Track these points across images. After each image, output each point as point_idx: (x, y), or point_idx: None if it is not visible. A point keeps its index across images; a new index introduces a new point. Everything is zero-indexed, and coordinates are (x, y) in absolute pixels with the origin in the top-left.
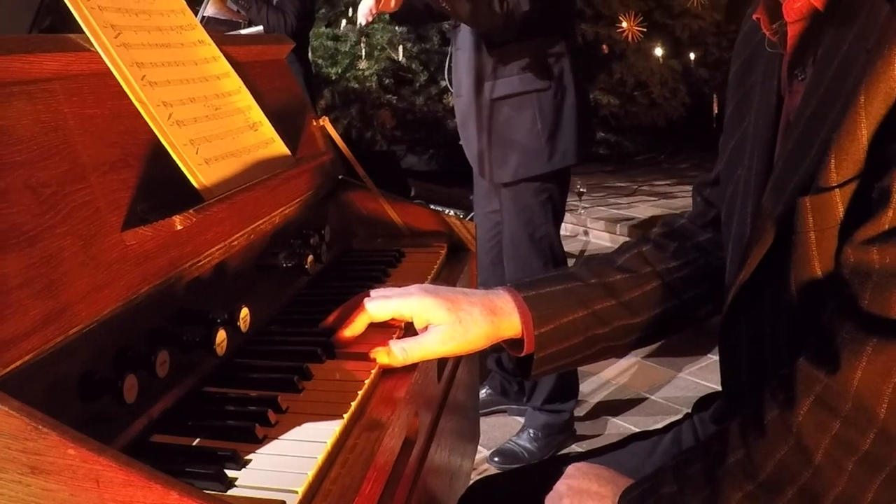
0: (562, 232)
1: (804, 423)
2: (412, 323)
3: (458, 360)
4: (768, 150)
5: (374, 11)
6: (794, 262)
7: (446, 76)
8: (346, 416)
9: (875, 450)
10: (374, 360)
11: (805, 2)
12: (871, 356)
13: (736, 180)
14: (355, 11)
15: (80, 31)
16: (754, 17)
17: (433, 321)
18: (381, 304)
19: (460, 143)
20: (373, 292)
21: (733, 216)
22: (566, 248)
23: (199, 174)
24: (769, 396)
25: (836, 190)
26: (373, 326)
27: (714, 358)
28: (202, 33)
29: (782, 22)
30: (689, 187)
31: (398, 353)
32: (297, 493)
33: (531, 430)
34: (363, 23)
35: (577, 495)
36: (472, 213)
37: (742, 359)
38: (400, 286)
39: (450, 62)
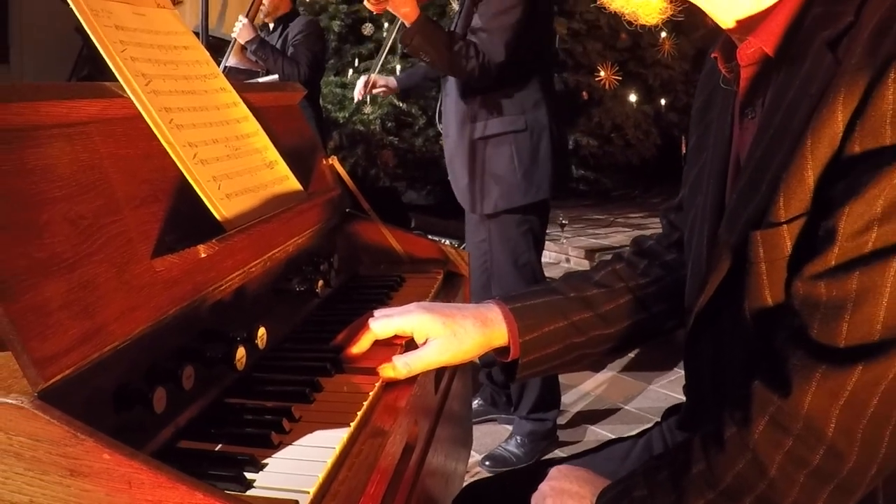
0: (545, 259)
1: (759, 441)
2: (413, 338)
3: (453, 373)
4: (721, 181)
5: (362, 93)
6: (747, 291)
7: (437, 118)
8: (352, 424)
9: (824, 464)
10: (381, 375)
11: (757, 48)
12: (820, 381)
13: (696, 207)
14: (361, 62)
15: (115, 79)
16: (712, 55)
17: (431, 335)
18: (384, 323)
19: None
20: (376, 312)
21: (693, 240)
22: (550, 274)
23: (221, 208)
24: (727, 415)
25: (785, 225)
26: (377, 343)
27: (681, 372)
28: (224, 81)
29: (736, 63)
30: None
31: (402, 367)
32: (308, 493)
33: (518, 437)
34: (358, 98)
35: (559, 495)
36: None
37: (704, 374)
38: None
39: (440, 106)
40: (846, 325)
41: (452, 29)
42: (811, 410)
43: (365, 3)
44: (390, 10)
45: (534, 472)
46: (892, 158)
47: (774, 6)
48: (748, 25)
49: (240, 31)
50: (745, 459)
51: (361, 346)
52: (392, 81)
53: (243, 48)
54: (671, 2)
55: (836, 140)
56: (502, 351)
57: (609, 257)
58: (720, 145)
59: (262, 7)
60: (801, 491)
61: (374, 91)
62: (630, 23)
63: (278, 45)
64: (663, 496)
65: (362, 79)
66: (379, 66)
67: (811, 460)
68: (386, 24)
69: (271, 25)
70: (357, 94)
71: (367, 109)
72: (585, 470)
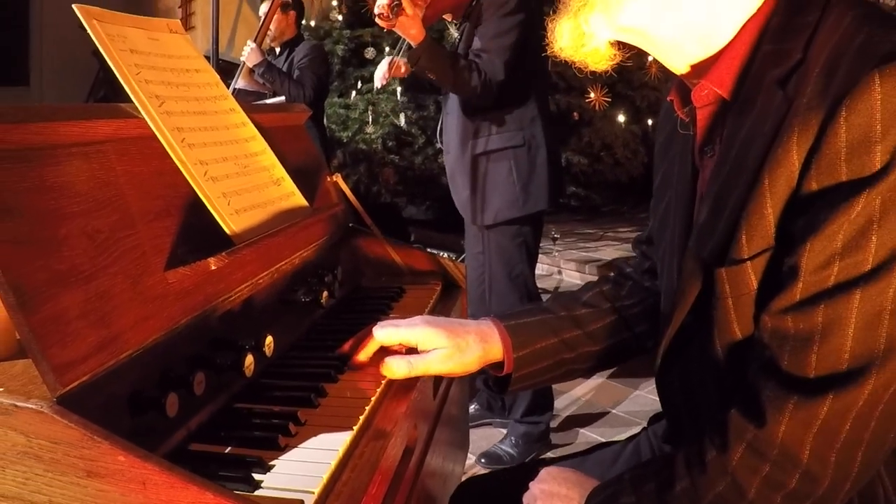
0: (539, 272)
1: (738, 466)
2: (415, 349)
3: (450, 379)
4: (687, 215)
5: (387, 76)
6: (716, 325)
7: (438, 137)
8: (355, 428)
9: (800, 487)
10: (382, 371)
11: (711, 91)
12: (793, 412)
13: (665, 241)
14: (364, 84)
15: (130, 100)
16: (668, 98)
17: (437, 346)
18: (389, 332)
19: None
20: (382, 322)
21: (664, 273)
22: (543, 286)
23: (230, 222)
24: (708, 439)
25: (749, 262)
26: (381, 352)
27: None
28: (233, 102)
29: (692, 107)
30: None
31: (405, 365)
32: (313, 493)
33: (513, 438)
34: (379, 85)
35: (549, 497)
36: (464, 255)
37: (677, 401)
38: (402, 317)
39: (441, 125)
40: (815, 357)
41: (455, 50)
42: (786, 438)
43: (376, 19)
44: (398, 31)
45: (527, 471)
46: (849, 195)
47: (723, 50)
48: (700, 70)
49: (248, 54)
50: (725, 482)
51: (367, 352)
52: None
53: (251, 71)
54: (620, 49)
55: (793, 178)
56: (496, 364)
57: (596, 278)
58: (683, 182)
59: (269, 32)
60: None
61: (399, 74)
62: (621, 45)
63: (284, 69)
64: None
65: (385, 61)
66: (402, 49)
67: (788, 483)
68: (387, 49)
69: (278, 50)
70: (380, 80)
71: (370, 129)
72: (574, 471)
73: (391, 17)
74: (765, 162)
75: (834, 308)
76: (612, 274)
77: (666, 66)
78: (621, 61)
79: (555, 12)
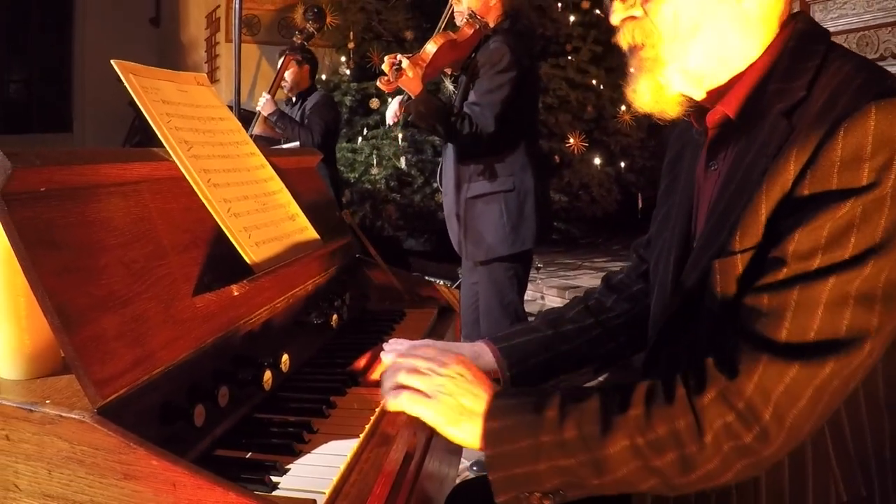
0: (525, 297)
1: (707, 407)
2: None
3: None
4: (687, 217)
5: (398, 114)
6: (704, 311)
7: (438, 179)
8: (361, 435)
9: (752, 443)
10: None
11: (721, 113)
12: (764, 369)
13: (663, 240)
14: (369, 130)
15: (162, 145)
16: (686, 117)
17: None
18: (395, 355)
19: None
20: (386, 346)
21: (660, 266)
22: (529, 309)
23: (251, 253)
24: (680, 378)
25: (739, 255)
26: None
27: None
28: (253, 147)
29: (705, 125)
30: (621, 263)
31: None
32: (324, 493)
33: None
34: (391, 122)
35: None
36: (458, 282)
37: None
38: (404, 338)
39: (440, 169)
40: (786, 327)
41: (453, 103)
42: (754, 393)
43: (378, 84)
44: (401, 86)
45: None
46: (836, 200)
47: (736, 78)
48: (715, 95)
49: (263, 105)
50: (687, 420)
51: (377, 372)
52: None
53: (266, 119)
54: (684, 95)
55: (787, 185)
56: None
57: (582, 295)
58: (688, 189)
59: (284, 83)
60: (721, 460)
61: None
62: (597, 97)
63: (297, 116)
64: (588, 423)
65: (396, 101)
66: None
67: (744, 437)
68: (389, 99)
69: (294, 98)
70: (391, 117)
71: (374, 171)
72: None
73: (392, 79)
74: (765, 175)
75: (809, 290)
76: (599, 287)
77: (687, 94)
78: (599, 110)
79: (624, 79)
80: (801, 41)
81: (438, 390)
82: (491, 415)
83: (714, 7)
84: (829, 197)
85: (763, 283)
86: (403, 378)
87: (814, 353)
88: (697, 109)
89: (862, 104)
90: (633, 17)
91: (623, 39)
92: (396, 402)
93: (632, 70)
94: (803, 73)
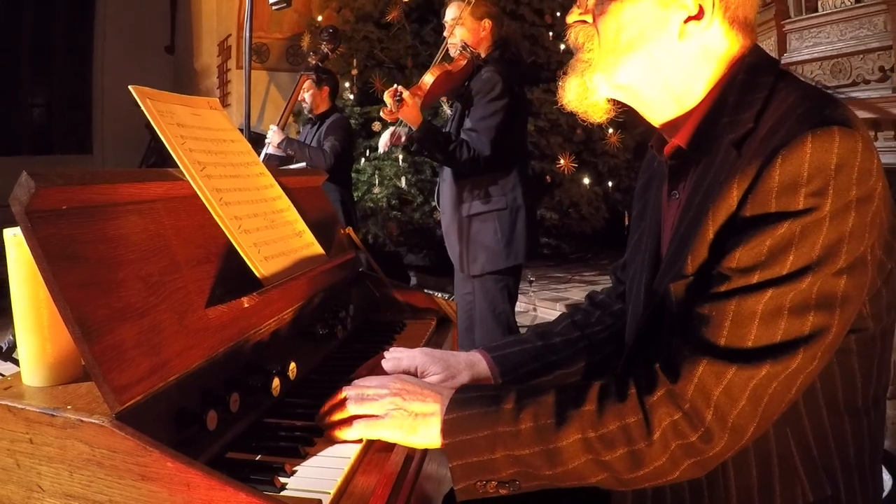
0: (518, 309)
1: (655, 405)
2: (416, 373)
3: None
4: (656, 242)
5: (388, 144)
6: (665, 328)
7: (436, 199)
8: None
9: (697, 443)
10: None
11: (674, 145)
12: (703, 371)
13: (636, 263)
14: (371, 152)
15: (176, 165)
16: (650, 144)
17: (433, 372)
18: (395, 364)
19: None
20: (387, 354)
21: (633, 288)
22: (521, 321)
23: (260, 268)
24: (632, 379)
25: (691, 277)
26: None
27: None
28: (262, 168)
29: (665, 158)
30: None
31: None
32: (329, 493)
33: None
34: (382, 151)
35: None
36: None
37: None
38: (405, 347)
39: (438, 189)
40: (725, 334)
41: (449, 130)
42: (695, 395)
43: (381, 113)
44: (401, 117)
45: None
46: (775, 221)
47: (689, 112)
48: (671, 127)
49: (271, 137)
50: (637, 417)
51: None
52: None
53: (278, 146)
54: (613, 105)
55: (731, 209)
56: None
57: (569, 310)
58: (655, 216)
59: (304, 104)
60: (669, 458)
61: (398, 143)
62: (584, 121)
63: (314, 137)
64: (544, 416)
65: (387, 132)
66: (400, 121)
67: (689, 436)
68: (391, 128)
69: (313, 118)
70: (382, 146)
71: (376, 190)
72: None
73: (394, 110)
74: (713, 200)
75: (748, 301)
76: (584, 304)
77: (646, 118)
78: (615, 115)
79: (564, 73)
80: (749, 74)
81: (388, 409)
82: (450, 408)
83: (653, 35)
84: (769, 218)
85: (707, 294)
86: (353, 408)
87: (750, 357)
88: (658, 140)
89: (799, 133)
90: (583, 22)
91: (570, 37)
92: (353, 432)
93: (567, 69)
94: (751, 105)
